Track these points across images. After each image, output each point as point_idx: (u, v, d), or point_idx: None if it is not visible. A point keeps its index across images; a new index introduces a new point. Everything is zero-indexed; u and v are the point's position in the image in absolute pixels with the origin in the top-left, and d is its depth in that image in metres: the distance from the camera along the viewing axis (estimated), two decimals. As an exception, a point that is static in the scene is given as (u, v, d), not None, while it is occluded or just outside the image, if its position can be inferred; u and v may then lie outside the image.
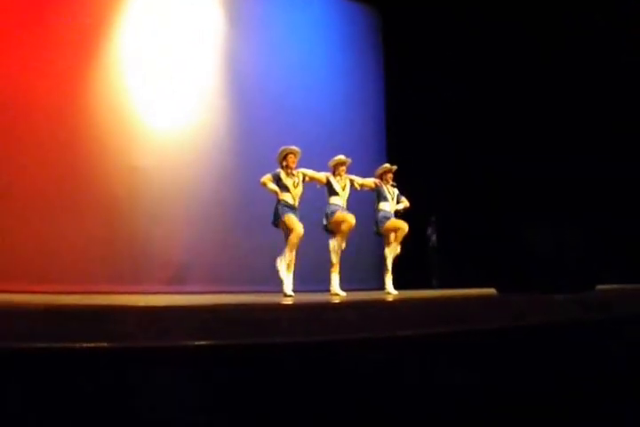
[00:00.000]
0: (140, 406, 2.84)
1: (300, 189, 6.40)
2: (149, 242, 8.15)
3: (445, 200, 9.59)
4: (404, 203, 7.21)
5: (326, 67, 10.49)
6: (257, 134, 9.29)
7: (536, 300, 4.21)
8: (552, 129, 9.23)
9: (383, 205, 7.05)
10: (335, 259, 6.50)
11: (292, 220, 6.16)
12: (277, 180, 6.35)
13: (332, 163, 6.81)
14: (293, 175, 6.39)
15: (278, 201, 6.33)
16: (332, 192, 6.68)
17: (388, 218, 7.00)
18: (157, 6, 8.81)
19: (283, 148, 6.46)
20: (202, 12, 9.26)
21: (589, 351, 4.26)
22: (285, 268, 6.08)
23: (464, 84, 10.09)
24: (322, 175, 6.69)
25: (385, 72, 11.28)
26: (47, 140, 7.64)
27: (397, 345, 3.53)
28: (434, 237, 9.61)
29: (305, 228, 6.20)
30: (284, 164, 6.39)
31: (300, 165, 6.54)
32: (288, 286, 6.07)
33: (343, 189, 6.71)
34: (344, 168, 6.78)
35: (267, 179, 6.35)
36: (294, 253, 6.13)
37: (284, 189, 6.32)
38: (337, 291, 6.40)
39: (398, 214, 7.18)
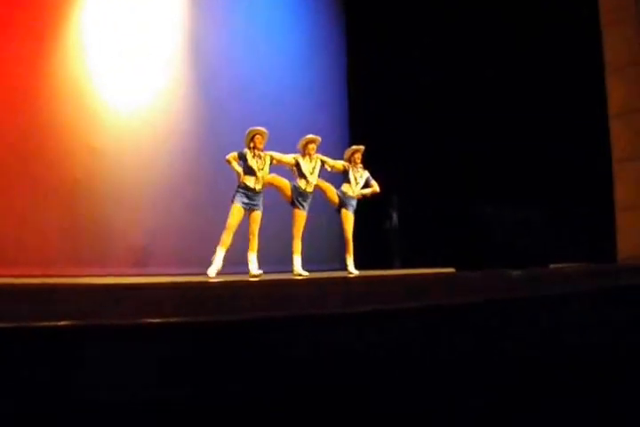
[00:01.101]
0: (97, 384, 2.85)
1: (266, 172, 6.33)
2: (111, 224, 8.09)
3: (406, 181, 9.65)
4: (374, 187, 7.12)
5: (290, 45, 10.46)
6: (219, 115, 9.24)
7: (491, 276, 4.30)
8: (504, 109, 9.34)
9: (345, 188, 7.01)
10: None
11: (233, 212, 6.17)
12: (243, 160, 6.28)
13: (301, 142, 6.73)
14: (260, 157, 6.31)
15: (238, 184, 6.28)
16: (301, 175, 6.62)
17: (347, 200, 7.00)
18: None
19: (250, 128, 6.39)
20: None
21: (543, 326, 4.37)
22: (221, 250, 6.10)
23: (425, 62, 10.14)
24: (290, 158, 6.61)
25: (348, 50, 11.28)
26: (3, 122, 7.49)
27: (356, 321, 3.57)
28: (395, 218, 9.67)
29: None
30: (252, 145, 6.32)
31: (264, 147, 6.49)
32: (254, 267, 6.11)
33: (312, 173, 6.64)
34: (314, 146, 6.71)
35: (232, 157, 6.30)
36: (231, 236, 6.16)
37: (249, 171, 6.26)
38: (300, 271, 6.45)
39: (363, 198, 7.16)
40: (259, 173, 6.25)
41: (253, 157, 6.29)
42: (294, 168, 6.64)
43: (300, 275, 6.38)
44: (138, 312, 3.03)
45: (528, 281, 4.56)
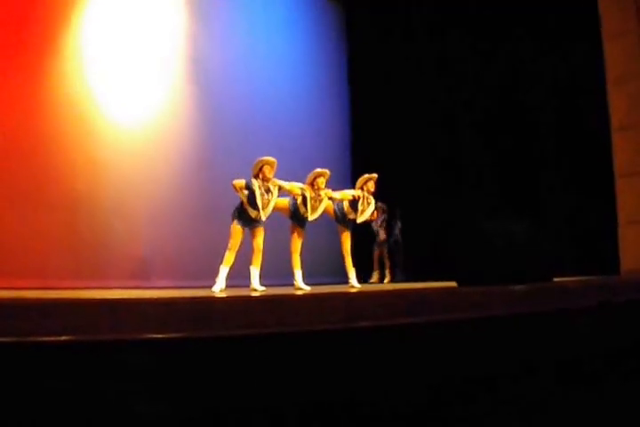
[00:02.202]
0: (95, 399, 2.82)
1: (271, 207, 6.21)
2: (111, 237, 8.07)
3: (408, 194, 9.66)
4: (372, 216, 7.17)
5: (290, 59, 10.48)
6: (220, 129, 9.25)
7: (494, 291, 4.27)
8: (507, 124, 9.38)
9: (349, 212, 6.94)
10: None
11: (233, 233, 6.15)
12: (250, 191, 6.14)
13: (310, 176, 6.65)
14: (269, 190, 6.18)
15: (240, 206, 6.21)
16: (304, 205, 6.56)
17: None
18: (120, 1, 8.69)
19: (259, 159, 6.21)
20: (163, 8, 9.16)
21: (546, 342, 4.34)
22: (224, 269, 6.12)
23: (432, 76, 10.17)
24: (298, 189, 6.49)
25: (348, 60, 11.32)
26: (5, 136, 7.49)
27: (357, 337, 3.55)
28: (398, 231, 9.67)
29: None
30: (260, 175, 6.16)
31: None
32: (256, 282, 6.11)
33: (315, 210, 6.56)
34: (323, 180, 6.63)
35: (238, 185, 6.14)
36: (234, 255, 6.15)
37: (254, 203, 6.11)
38: (301, 285, 6.45)
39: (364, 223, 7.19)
40: (262, 210, 6.12)
41: (260, 188, 6.12)
42: (300, 198, 6.56)
43: (302, 289, 6.36)
44: (139, 328, 3.01)
45: (531, 296, 4.53)
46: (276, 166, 6.22)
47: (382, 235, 9.61)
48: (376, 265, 9.64)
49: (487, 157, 9.37)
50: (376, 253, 9.63)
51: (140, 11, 8.85)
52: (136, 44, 8.72)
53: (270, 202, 6.16)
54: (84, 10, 8.35)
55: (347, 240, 6.95)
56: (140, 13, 8.84)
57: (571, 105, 8.77)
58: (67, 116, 8.00)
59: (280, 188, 6.27)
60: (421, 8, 10.22)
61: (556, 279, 5.30)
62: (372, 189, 6.97)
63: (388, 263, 9.69)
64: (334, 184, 7.11)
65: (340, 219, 6.90)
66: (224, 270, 6.11)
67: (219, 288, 6.02)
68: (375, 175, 7.05)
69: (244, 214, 6.14)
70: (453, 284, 4.96)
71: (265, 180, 6.14)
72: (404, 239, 9.69)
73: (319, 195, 6.59)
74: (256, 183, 6.12)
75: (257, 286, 6.11)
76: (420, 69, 10.24)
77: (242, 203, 6.17)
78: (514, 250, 4.66)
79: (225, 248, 6.20)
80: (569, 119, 8.79)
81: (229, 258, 6.11)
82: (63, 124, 7.96)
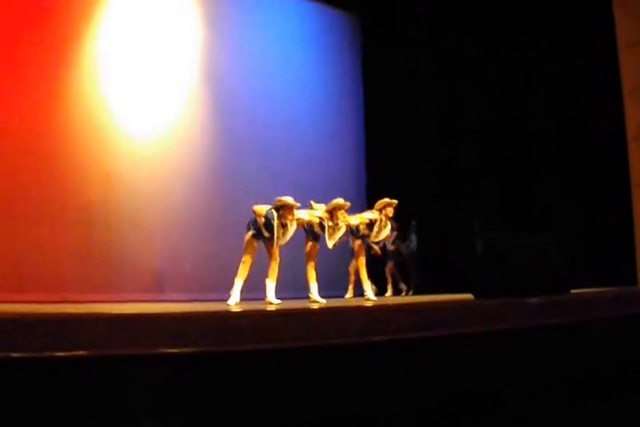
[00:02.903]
0: (110, 414, 2.81)
1: (287, 236, 6.18)
2: (126, 249, 8.08)
3: (424, 206, 9.62)
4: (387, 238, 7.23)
5: (304, 70, 10.50)
6: (234, 142, 9.27)
7: (511, 304, 4.24)
8: (523, 136, 9.36)
9: (364, 229, 6.92)
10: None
11: (247, 244, 6.14)
12: (267, 220, 6.08)
13: (329, 207, 6.62)
14: (285, 226, 6.13)
15: (255, 220, 6.16)
16: (322, 230, 6.56)
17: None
18: (134, 11, 8.76)
19: (280, 199, 6.15)
20: (179, 18, 9.23)
21: (564, 354, 4.30)
22: (239, 282, 6.09)
23: (444, 88, 10.17)
24: (317, 219, 6.52)
25: (363, 74, 11.32)
26: (20, 147, 7.55)
27: (374, 351, 3.53)
28: (414, 243, 9.61)
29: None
30: (279, 213, 6.11)
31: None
32: (271, 294, 6.09)
33: (331, 237, 6.53)
34: (343, 212, 6.62)
35: (258, 212, 6.10)
36: (248, 268, 6.12)
37: (269, 230, 6.09)
38: (317, 298, 6.42)
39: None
40: (277, 239, 6.10)
41: (278, 219, 6.07)
42: (317, 225, 6.56)
43: (317, 302, 6.33)
44: (155, 342, 3.00)
45: (547, 308, 4.49)
46: (295, 208, 6.20)
47: (392, 248, 9.55)
48: (389, 279, 9.58)
49: (501, 170, 9.33)
50: (388, 266, 9.58)
51: (156, 22, 8.91)
52: (151, 56, 8.78)
53: (286, 234, 6.15)
54: (99, 21, 8.42)
55: (361, 253, 6.95)
56: (155, 24, 8.89)
57: (585, 115, 8.74)
58: (82, 127, 8.06)
59: (299, 223, 6.31)
60: (433, 16, 10.21)
61: (572, 291, 5.26)
62: (391, 215, 6.92)
63: (400, 277, 9.62)
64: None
65: (355, 233, 6.89)
66: (238, 283, 6.09)
67: (234, 302, 6.00)
68: (395, 202, 6.96)
69: (259, 226, 6.13)
70: (469, 296, 4.92)
71: (283, 217, 6.11)
72: (419, 252, 9.63)
73: (337, 224, 6.57)
74: (275, 216, 6.08)
75: (273, 300, 6.09)
76: (436, 79, 10.24)
77: (256, 219, 6.14)
78: (530, 262, 4.62)
79: (240, 261, 6.18)
80: (583, 130, 8.75)
81: (243, 270, 6.10)
82: (78, 135, 8.01)
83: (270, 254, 6.21)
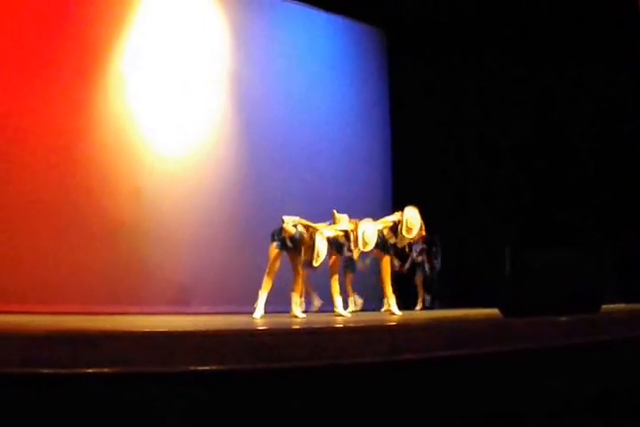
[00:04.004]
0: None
1: (316, 251, 6.13)
2: (152, 262, 8.12)
3: (448, 222, 9.56)
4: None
5: (332, 87, 10.52)
6: (261, 157, 9.30)
7: (541, 323, 4.19)
8: (548, 153, 9.29)
9: (390, 236, 6.89)
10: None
11: (271, 255, 6.16)
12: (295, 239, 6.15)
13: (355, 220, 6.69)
14: (313, 240, 6.14)
15: (280, 231, 6.19)
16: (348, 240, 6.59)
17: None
18: (162, 29, 8.85)
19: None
20: (207, 35, 9.30)
21: (597, 373, 4.23)
22: (263, 294, 6.10)
23: (472, 105, 10.13)
24: (342, 233, 6.57)
25: (389, 88, 11.31)
26: (50, 162, 7.65)
27: (401, 370, 3.50)
28: (438, 257, 9.56)
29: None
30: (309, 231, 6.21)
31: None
32: (297, 308, 6.08)
33: (356, 247, 6.54)
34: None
35: (288, 233, 6.15)
36: (272, 279, 6.13)
37: (297, 243, 6.15)
38: (341, 312, 6.41)
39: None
40: (305, 255, 6.13)
41: (306, 236, 6.14)
42: (341, 237, 6.57)
43: (342, 315, 6.31)
44: (182, 360, 3.00)
45: (578, 327, 4.42)
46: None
47: (419, 260, 9.49)
48: (421, 291, 9.50)
49: (528, 185, 9.25)
50: (417, 278, 9.50)
51: (183, 38, 8.99)
52: (178, 72, 8.86)
53: (318, 250, 6.11)
54: (127, 38, 8.52)
55: (387, 266, 6.90)
56: (182, 40, 8.97)
57: (613, 131, 8.65)
58: (112, 143, 8.15)
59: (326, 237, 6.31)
60: (462, 33, 10.20)
61: (602, 308, 5.18)
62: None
63: (422, 291, 9.54)
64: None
65: (381, 245, 6.85)
66: (263, 296, 6.09)
67: (259, 315, 5.99)
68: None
69: (283, 237, 6.11)
70: (495, 311, 4.88)
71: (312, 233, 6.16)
72: (443, 267, 9.57)
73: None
74: (304, 233, 6.14)
75: (298, 313, 6.08)
76: (462, 94, 10.22)
77: (282, 229, 6.15)
78: (560, 280, 4.57)
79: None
80: (612, 145, 8.67)
81: (267, 283, 6.10)
82: (107, 151, 8.10)
83: (294, 267, 6.21)
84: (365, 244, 6.37)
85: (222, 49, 9.45)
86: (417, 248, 9.28)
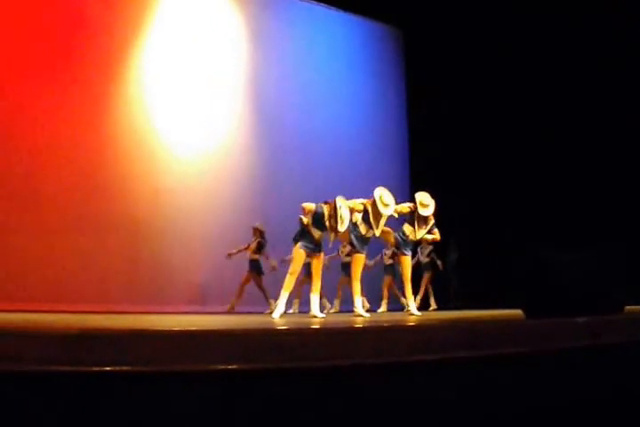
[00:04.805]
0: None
1: (342, 222, 6.12)
2: (169, 262, 8.19)
3: (468, 222, 9.51)
4: (435, 235, 6.98)
5: (348, 87, 10.54)
6: (279, 155, 9.34)
7: (564, 324, 4.15)
8: (565, 151, 9.21)
9: (408, 230, 6.82)
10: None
11: (296, 256, 6.08)
12: (319, 216, 6.10)
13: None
14: (336, 217, 6.07)
15: (302, 229, 6.17)
16: (366, 221, 6.47)
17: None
18: (179, 32, 8.92)
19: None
20: (224, 37, 9.36)
21: (622, 374, 4.19)
22: (285, 294, 6.02)
23: (488, 100, 10.08)
24: (360, 205, 6.49)
25: (407, 89, 11.30)
26: (71, 163, 7.75)
27: (421, 371, 3.48)
28: (453, 259, 9.53)
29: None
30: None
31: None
32: (315, 308, 6.06)
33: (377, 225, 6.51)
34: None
35: (308, 208, 6.15)
36: (294, 280, 6.09)
37: (320, 226, 6.11)
38: (361, 312, 6.38)
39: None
40: (330, 234, 6.11)
41: (330, 217, 6.06)
42: (357, 217, 6.47)
43: (361, 316, 6.29)
44: (205, 359, 3.01)
45: (601, 328, 4.38)
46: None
47: (426, 260, 9.45)
48: (430, 292, 9.47)
49: (553, 183, 9.16)
50: (424, 279, 9.45)
51: (201, 39, 9.05)
52: (196, 74, 8.92)
53: (340, 214, 6.07)
54: (145, 41, 8.61)
55: (407, 267, 6.86)
56: (200, 42, 9.03)
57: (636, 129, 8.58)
58: (132, 145, 8.24)
59: (348, 208, 6.25)
60: (477, 30, 10.16)
61: (625, 309, 5.13)
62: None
63: (431, 292, 9.49)
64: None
65: (402, 245, 6.81)
66: (284, 295, 6.05)
67: (279, 314, 5.97)
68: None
69: (306, 238, 6.09)
70: (517, 312, 4.84)
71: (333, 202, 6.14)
72: (460, 266, 9.53)
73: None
74: (326, 211, 6.12)
75: (317, 313, 6.06)
76: (478, 90, 10.17)
77: (303, 227, 6.13)
78: (583, 280, 4.53)
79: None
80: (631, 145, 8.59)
81: (290, 282, 6.08)
82: (127, 154, 8.21)
83: (315, 268, 6.19)
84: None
85: (240, 50, 9.48)
86: (423, 249, 9.25)
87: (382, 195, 6.54)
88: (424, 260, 9.39)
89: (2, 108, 7.61)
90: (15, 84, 7.69)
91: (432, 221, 6.92)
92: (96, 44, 8.21)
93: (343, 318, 5.95)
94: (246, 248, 8.27)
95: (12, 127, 7.62)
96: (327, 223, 6.04)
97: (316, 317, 6.00)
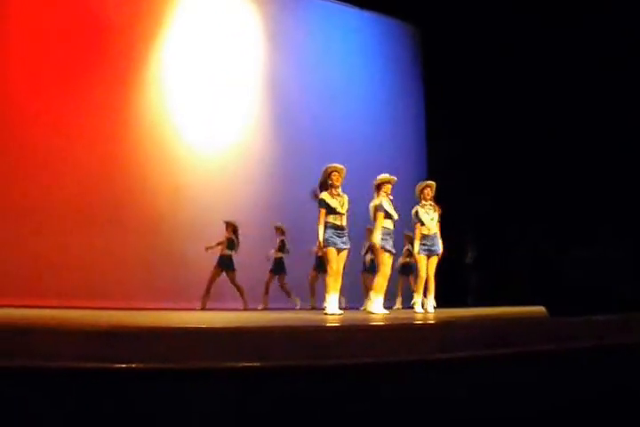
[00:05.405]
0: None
1: (346, 209, 6.04)
2: (191, 260, 8.22)
3: (482, 218, 9.47)
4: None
5: (366, 84, 10.53)
6: (297, 152, 9.36)
7: (588, 321, 4.13)
8: (586, 147, 9.13)
9: (421, 229, 6.86)
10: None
11: (331, 257, 5.90)
12: (324, 201, 5.98)
13: (376, 182, 6.54)
14: (339, 195, 6.01)
15: (326, 225, 5.97)
16: (387, 216, 6.40)
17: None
18: (196, 29, 8.95)
19: (328, 165, 6.09)
20: (242, 36, 9.39)
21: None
22: (334, 295, 5.91)
23: (507, 101, 10.01)
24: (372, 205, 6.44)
25: (424, 86, 11.26)
26: (92, 162, 7.82)
27: (453, 368, 3.48)
28: (471, 256, 9.49)
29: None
30: (329, 182, 6.03)
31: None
32: (334, 305, 6.01)
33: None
34: (390, 186, 6.49)
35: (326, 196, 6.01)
36: (339, 280, 5.96)
37: (331, 210, 5.95)
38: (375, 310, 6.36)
39: None
40: (342, 211, 5.98)
41: (332, 196, 5.97)
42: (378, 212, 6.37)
43: (382, 313, 6.28)
44: (221, 356, 3.01)
45: (625, 326, 4.35)
46: (344, 174, 6.12)
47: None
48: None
49: (572, 180, 9.08)
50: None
51: (218, 39, 9.10)
52: (214, 73, 8.97)
53: (345, 205, 6.04)
54: (163, 40, 8.66)
55: (433, 263, 6.85)
56: (217, 41, 9.08)
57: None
58: (150, 144, 8.29)
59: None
60: (494, 26, 10.11)
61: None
62: (428, 198, 6.92)
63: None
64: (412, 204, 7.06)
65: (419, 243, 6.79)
66: (334, 296, 5.89)
67: (335, 311, 5.89)
68: (433, 183, 7.03)
69: (333, 231, 5.92)
70: (539, 309, 4.82)
71: (334, 187, 6.04)
72: (477, 263, 9.50)
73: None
74: (327, 193, 6.05)
75: (335, 311, 6.03)
76: (496, 87, 10.11)
77: (325, 221, 6.02)
78: (608, 278, 4.51)
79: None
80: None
81: (335, 284, 5.90)
82: (147, 152, 8.28)
83: (340, 263, 6.10)
84: None
85: (258, 48, 9.53)
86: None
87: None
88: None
89: (21, 109, 7.68)
90: (35, 85, 7.77)
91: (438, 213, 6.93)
92: (115, 45, 8.28)
93: (364, 316, 5.93)
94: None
95: (30, 127, 7.68)
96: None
97: (334, 314, 5.96)
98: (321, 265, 8.05)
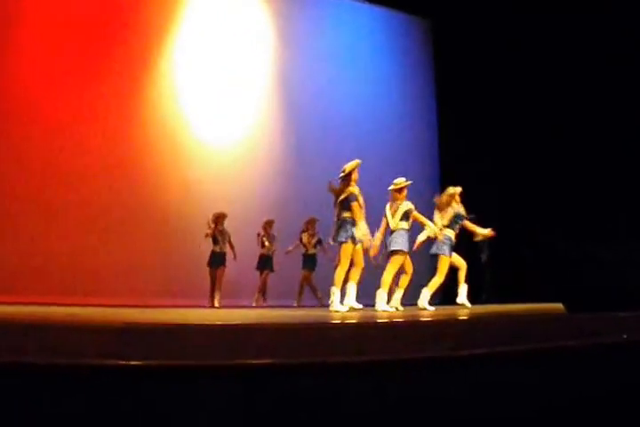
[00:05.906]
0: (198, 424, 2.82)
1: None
2: (200, 256, 8.20)
3: (508, 215, 9.38)
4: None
5: (377, 80, 10.48)
6: (309, 147, 9.36)
7: (606, 318, 4.08)
8: (602, 145, 9.04)
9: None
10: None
11: (346, 251, 5.90)
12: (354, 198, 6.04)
13: (397, 186, 6.55)
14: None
15: (342, 220, 5.98)
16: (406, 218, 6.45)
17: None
18: (208, 24, 8.95)
19: (355, 160, 6.23)
20: (253, 30, 9.40)
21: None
22: (353, 287, 5.96)
23: (518, 93, 9.94)
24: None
25: (436, 82, 11.20)
26: (102, 157, 7.83)
27: (470, 365, 3.43)
28: (486, 252, 9.42)
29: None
30: (354, 177, 6.15)
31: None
32: (352, 298, 5.97)
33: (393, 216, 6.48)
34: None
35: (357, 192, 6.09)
36: (360, 272, 6.06)
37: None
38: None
39: None
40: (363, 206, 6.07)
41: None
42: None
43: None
44: (251, 353, 2.99)
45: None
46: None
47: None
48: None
49: (588, 177, 8.99)
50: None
51: (229, 34, 9.10)
52: (225, 68, 8.97)
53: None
54: (176, 35, 8.66)
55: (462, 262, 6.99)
56: (228, 37, 9.08)
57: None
58: (161, 138, 8.30)
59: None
60: (508, 20, 10.04)
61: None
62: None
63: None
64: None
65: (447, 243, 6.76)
66: (353, 289, 5.97)
67: (351, 305, 5.91)
68: (458, 189, 7.03)
69: (349, 227, 5.91)
70: (557, 306, 4.78)
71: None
72: (493, 259, 9.42)
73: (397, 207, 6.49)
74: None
75: (354, 304, 5.99)
76: (508, 82, 10.04)
77: (344, 216, 6.00)
78: (626, 274, 4.45)
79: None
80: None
81: (355, 275, 6.01)
82: (157, 148, 8.26)
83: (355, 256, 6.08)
84: None
85: (268, 43, 9.51)
86: None
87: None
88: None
89: (34, 106, 7.70)
90: (47, 82, 7.79)
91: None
92: (127, 41, 8.30)
93: (375, 313, 5.89)
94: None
95: (41, 124, 7.70)
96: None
97: (352, 307, 5.91)
98: (309, 263, 8.12)
